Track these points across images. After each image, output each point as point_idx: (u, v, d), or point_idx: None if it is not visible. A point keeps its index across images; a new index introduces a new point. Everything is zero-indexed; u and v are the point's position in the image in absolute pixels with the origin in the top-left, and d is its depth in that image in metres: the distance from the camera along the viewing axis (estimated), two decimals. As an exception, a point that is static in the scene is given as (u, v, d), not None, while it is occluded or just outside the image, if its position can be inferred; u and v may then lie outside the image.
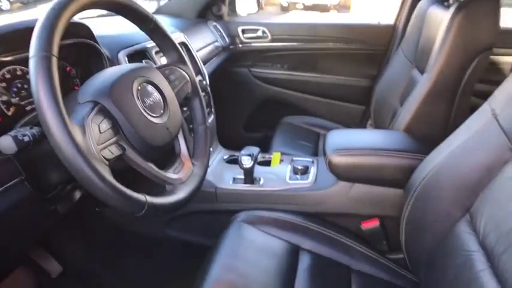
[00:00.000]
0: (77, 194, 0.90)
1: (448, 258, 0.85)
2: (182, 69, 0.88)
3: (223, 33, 1.91)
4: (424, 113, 1.26)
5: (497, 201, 0.80)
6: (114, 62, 1.01)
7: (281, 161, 1.34)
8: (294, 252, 1.03)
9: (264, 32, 2.01)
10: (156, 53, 1.16)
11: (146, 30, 0.83)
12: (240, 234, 1.05)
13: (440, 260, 0.88)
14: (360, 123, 2.01)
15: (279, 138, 1.74)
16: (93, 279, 1.37)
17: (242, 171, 1.22)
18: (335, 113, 2.03)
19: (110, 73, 0.71)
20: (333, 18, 2.19)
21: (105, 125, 0.63)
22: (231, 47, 1.99)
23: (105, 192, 0.59)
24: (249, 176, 1.20)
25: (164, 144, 0.75)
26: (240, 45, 2.04)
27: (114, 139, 0.64)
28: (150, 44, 1.16)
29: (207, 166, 0.88)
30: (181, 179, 0.78)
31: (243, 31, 2.03)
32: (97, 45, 0.94)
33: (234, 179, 1.25)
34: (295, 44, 2.01)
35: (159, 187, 0.77)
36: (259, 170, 1.26)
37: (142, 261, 1.38)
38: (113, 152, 0.63)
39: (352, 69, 1.99)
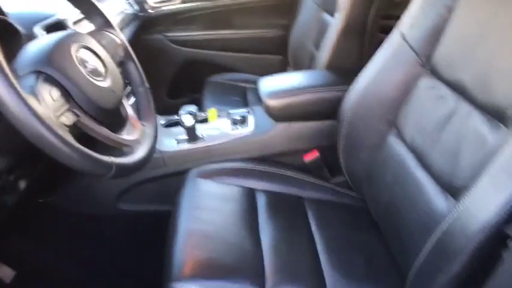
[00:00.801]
0: (22, 184, 0.87)
1: (384, 168, 0.98)
2: (112, 33, 0.87)
3: (131, 1, 1.84)
4: (340, 50, 1.38)
5: (417, 110, 0.93)
6: (31, 37, 0.95)
7: (218, 116, 1.38)
8: (250, 194, 1.10)
9: (173, -7, 1.97)
10: (74, 23, 1.10)
11: None
12: (196, 188, 1.09)
13: (378, 171, 1.01)
14: (280, 72, 2.10)
15: (208, 97, 1.77)
16: (53, 275, 1.33)
17: (183, 132, 1.25)
18: (255, 66, 2.09)
19: (43, 43, 0.68)
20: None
21: (55, 93, 0.62)
22: (141, 14, 1.93)
23: (74, 158, 0.59)
24: (192, 134, 1.23)
25: (114, 107, 0.75)
26: (151, 11, 1.97)
27: (67, 106, 0.63)
28: (64, 15, 1.10)
29: (156, 125, 0.90)
30: (136, 140, 0.79)
31: (152, -5, 1.97)
32: (9, 21, 0.88)
33: (177, 140, 1.26)
34: (206, 3, 2.01)
35: (112, 152, 0.77)
36: (199, 128, 1.29)
37: (101, 242, 1.35)
38: (69, 118, 0.63)
39: (265, 21, 2.05)
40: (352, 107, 1.07)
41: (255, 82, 1.88)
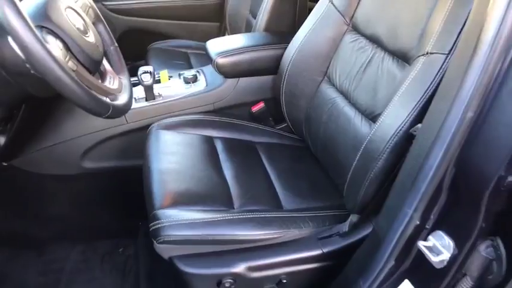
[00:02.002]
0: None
1: (320, 110, 1.20)
2: (82, -3, 0.96)
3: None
4: (276, 15, 1.57)
5: (343, 59, 1.16)
6: None
7: (170, 77, 1.50)
8: (209, 141, 1.26)
9: (109, -38, 1.99)
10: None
11: None
12: (161, 138, 1.22)
13: (315, 113, 1.23)
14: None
15: (153, 63, 1.86)
16: (23, 240, 1.38)
17: (140, 91, 1.36)
18: (194, 33, 2.20)
19: (36, 2, 0.77)
20: None
21: (60, 43, 0.73)
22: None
23: (84, 99, 0.71)
24: (150, 92, 1.35)
25: (100, 59, 0.86)
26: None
27: (68, 56, 0.74)
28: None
29: (129, 77, 1.02)
30: (118, 89, 0.92)
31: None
32: None
33: (135, 99, 1.37)
34: (143, -28, 2.06)
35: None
36: (154, 87, 1.40)
37: (67, 200, 1.41)
38: (72, 66, 0.74)
39: (201, -11, 2.17)
40: (291, 62, 1.27)
41: (196, 47, 2.02)
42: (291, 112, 1.33)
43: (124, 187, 1.40)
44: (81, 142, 1.35)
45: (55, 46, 0.71)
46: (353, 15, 1.16)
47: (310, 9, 1.30)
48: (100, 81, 0.90)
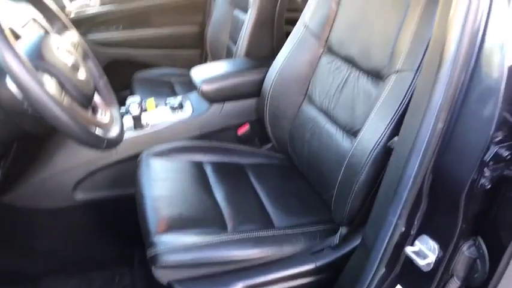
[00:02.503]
0: None
1: (302, 128, 1.26)
2: (72, 35, 1.01)
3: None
4: (256, 40, 1.64)
5: (321, 80, 1.23)
6: None
7: (156, 105, 1.54)
8: (199, 166, 1.30)
9: (90, -4, 2.05)
10: (23, 27, 1.19)
11: (34, 4, 0.92)
12: (152, 165, 1.25)
13: (298, 133, 1.29)
14: (201, 64, 2.30)
15: (138, 92, 1.90)
16: (16, 277, 1.37)
17: (128, 121, 1.40)
18: (177, 60, 2.26)
19: (30, 44, 0.81)
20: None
21: (54, 82, 0.77)
22: (61, 17, 1.98)
23: (80, 134, 0.74)
24: (139, 121, 1.39)
25: (92, 94, 0.90)
26: (72, 15, 2.03)
27: (63, 93, 0.78)
28: (12, 23, 1.17)
29: (119, 109, 1.06)
30: (110, 122, 0.95)
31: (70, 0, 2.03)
32: None
33: (124, 129, 1.40)
34: (123, 5, 2.12)
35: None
36: (142, 117, 1.44)
37: (61, 233, 1.41)
38: (68, 103, 0.78)
39: (181, 19, 2.24)
40: (272, 85, 1.33)
41: (179, 75, 2.08)
42: (276, 132, 1.38)
43: (116, 216, 1.41)
44: (72, 174, 1.36)
45: (51, 85, 0.75)
46: (327, 38, 1.23)
47: (288, 33, 1.37)
48: (93, 115, 0.93)
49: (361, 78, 1.07)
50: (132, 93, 1.94)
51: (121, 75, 2.11)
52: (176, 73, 2.11)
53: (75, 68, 0.87)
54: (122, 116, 1.05)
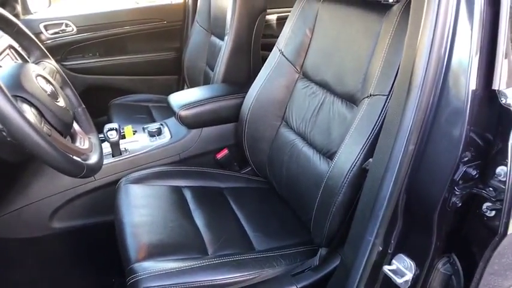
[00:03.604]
0: None
1: (281, 151, 1.28)
2: (49, 63, 1.01)
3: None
4: (233, 66, 1.68)
5: (298, 104, 1.26)
6: None
7: (134, 132, 1.54)
8: (178, 191, 1.30)
9: (67, 24, 2.05)
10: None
11: (11, 34, 0.92)
12: (130, 192, 1.24)
13: (276, 155, 1.31)
14: (178, 90, 2.33)
15: (115, 118, 1.89)
16: None
17: (106, 148, 1.39)
18: (154, 87, 2.27)
19: (9, 73, 0.81)
20: (129, 3, 2.39)
21: (34, 111, 0.77)
22: (37, 45, 1.97)
23: (61, 162, 0.74)
24: (117, 148, 1.38)
25: (71, 122, 0.90)
26: (48, 42, 2.03)
27: (42, 122, 0.78)
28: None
29: (98, 136, 1.06)
30: (88, 149, 0.95)
31: (46, 27, 2.02)
32: None
33: (102, 156, 1.39)
34: (100, 32, 2.13)
35: None
36: (120, 143, 1.43)
37: (38, 263, 1.37)
38: (48, 131, 0.78)
39: (158, 45, 2.26)
40: (250, 110, 1.35)
41: (157, 101, 2.09)
42: (254, 156, 1.40)
43: (94, 244, 1.38)
44: (49, 202, 1.33)
45: (30, 113, 0.74)
46: (303, 64, 1.28)
47: (264, 59, 1.41)
48: (72, 142, 0.93)
49: (335, 103, 1.11)
50: (109, 120, 1.93)
51: (98, 102, 2.10)
52: (153, 99, 2.12)
53: (54, 96, 0.87)
54: (100, 142, 1.04)
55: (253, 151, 1.39)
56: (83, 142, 0.96)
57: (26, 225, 1.33)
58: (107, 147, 1.38)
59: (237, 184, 1.41)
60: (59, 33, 2.05)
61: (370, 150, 0.88)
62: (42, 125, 0.77)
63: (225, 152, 1.51)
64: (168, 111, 1.57)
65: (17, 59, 1.16)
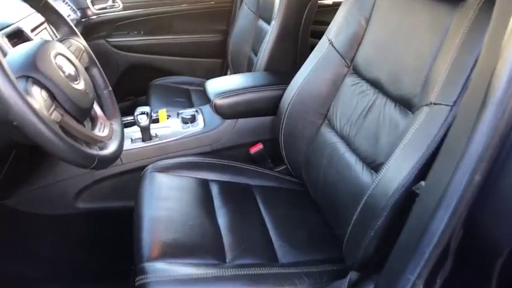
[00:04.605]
0: None
1: (320, 154, 1.15)
2: (77, 41, 0.94)
3: (74, 7, 1.86)
4: (277, 54, 1.55)
5: (344, 103, 1.12)
6: None
7: (168, 116, 1.47)
8: (204, 184, 1.21)
9: (114, 0, 2.01)
10: (32, 30, 1.14)
11: (38, 8, 0.86)
12: (154, 181, 1.17)
13: (314, 157, 1.18)
14: (221, 75, 2.24)
15: (154, 99, 1.84)
16: (14, 280, 1.33)
17: (137, 132, 1.33)
18: (197, 70, 2.20)
19: (26, 51, 0.75)
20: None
21: (44, 94, 0.70)
22: (83, 20, 1.95)
23: (66, 151, 0.67)
24: (147, 133, 1.31)
25: (89, 107, 0.83)
26: (94, 17, 2.00)
27: (53, 106, 0.71)
28: (23, 23, 1.13)
29: (122, 123, 0.99)
30: (108, 136, 0.88)
31: (93, 2, 2.00)
32: None
33: (131, 139, 1.34)
34: (146, 9, 2.08)
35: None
36: (152, 127, 1.37)
37: (60, 241, 1.36)
38: (57, 117, 0.71)
39: (204, 27, 2.18)
40: (290, 104, 1.23)
41: (198, 84, 2.01)
42: (290, 154, 1.28)
43: (117, 228, 1.34)
44: (76, 182, 1.31)
45: (39, 97, 0.68)
46: (354, 57, 1.13)
47: (313, 46, 1.27)
48: (90, 128, 0.86)
49: (388, 106, 0.96)
50: (147, 100, 1.89)
51: (139, 81, 2.07)
52: (195, 82, 2.05)
53: (72, 78, 0.80)
54: (123, 130, 0.97)
55: (289, 149, 1.27)
56: (103, 128, 0.89)
57: (51, 203, 1.33)
58: (137, 132, 1.33)
59: (269, 183, 1.30)
60: (106, 8, 2.02)
61: (423, 171, 0.73)
62: (52, 110, 0.70)
63: (260, 146, 1.40)
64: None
65: (56, 35, 1.12)
